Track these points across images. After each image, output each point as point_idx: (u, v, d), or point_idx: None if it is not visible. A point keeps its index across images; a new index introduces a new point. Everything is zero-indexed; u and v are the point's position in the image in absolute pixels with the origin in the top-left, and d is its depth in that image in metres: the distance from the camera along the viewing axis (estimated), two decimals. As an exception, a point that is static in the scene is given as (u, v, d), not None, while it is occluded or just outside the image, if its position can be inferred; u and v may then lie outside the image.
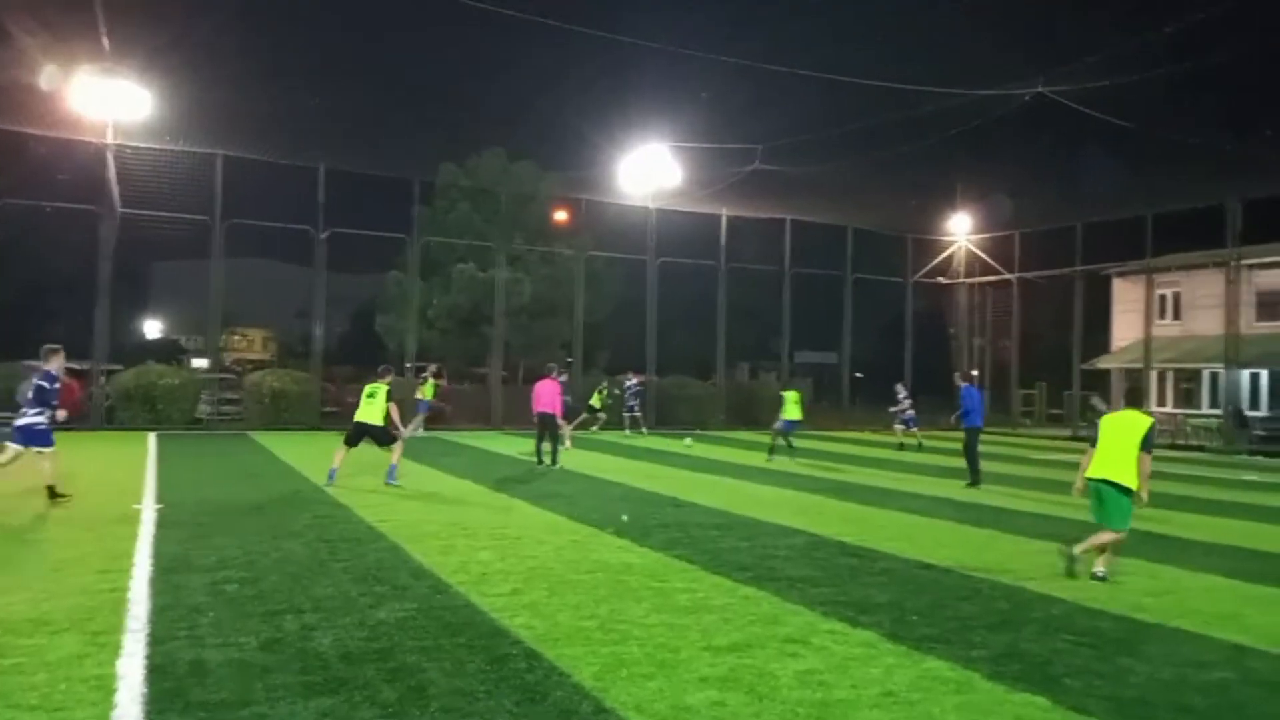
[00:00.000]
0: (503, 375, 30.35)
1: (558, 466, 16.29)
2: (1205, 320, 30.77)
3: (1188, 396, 31.62)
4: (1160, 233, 30.85)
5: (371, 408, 13.23)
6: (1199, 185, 26.78)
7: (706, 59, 19.18)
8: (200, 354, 34.65)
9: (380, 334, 33.90)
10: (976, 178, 28.05)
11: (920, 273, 37.63)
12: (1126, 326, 34.06)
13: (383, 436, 13.25)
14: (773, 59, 19.27)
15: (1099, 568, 7.94)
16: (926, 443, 23.65)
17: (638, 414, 26.49)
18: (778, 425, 20.29)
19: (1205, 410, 30.43)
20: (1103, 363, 34.18)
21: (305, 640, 5.52)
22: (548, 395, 16.62)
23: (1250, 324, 29.38)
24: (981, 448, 15.79)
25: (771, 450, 19.55)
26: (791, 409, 20.28)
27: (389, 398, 13.30)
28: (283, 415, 24.55)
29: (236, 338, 46.44)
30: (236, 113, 22.29)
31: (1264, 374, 29.19)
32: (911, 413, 24.09)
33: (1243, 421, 28.36)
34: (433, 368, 24.58)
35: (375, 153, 26.33)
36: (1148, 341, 31.73)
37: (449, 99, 24.93)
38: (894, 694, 4.87)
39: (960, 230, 36.04)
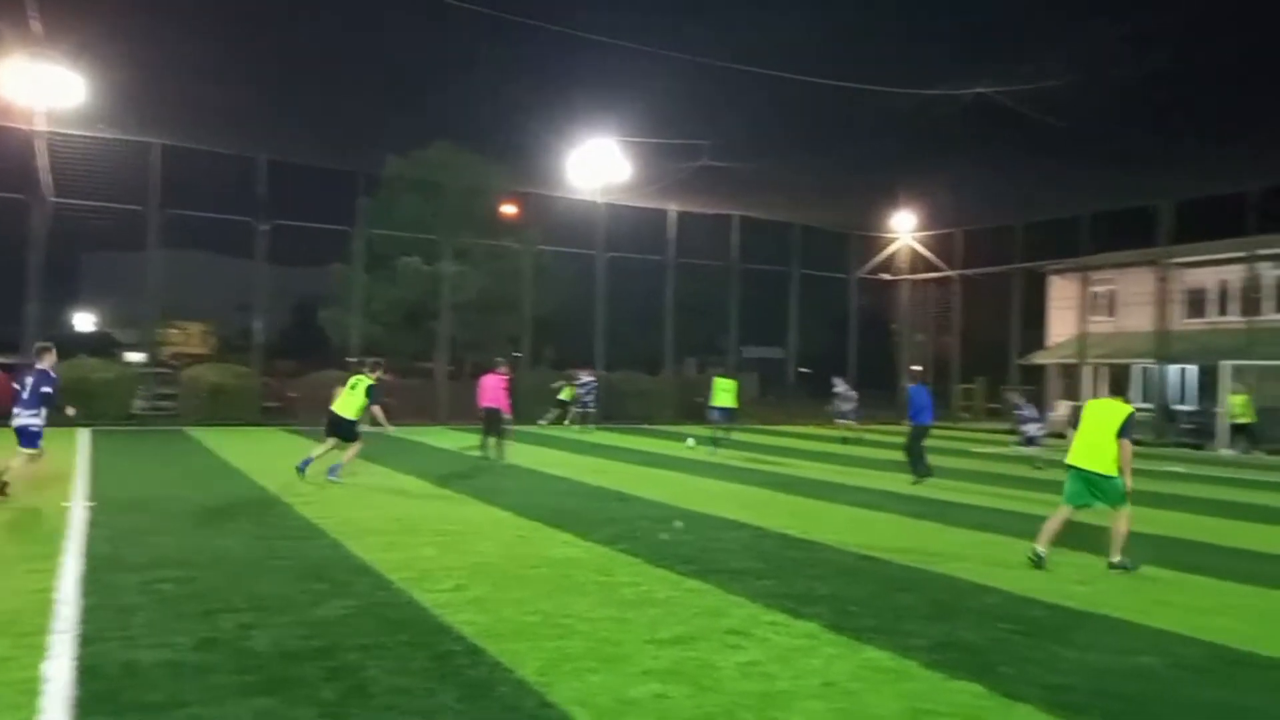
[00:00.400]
0: (449, 370, 30.08)
1: (504, 462, 16.21)
2: (1137, 317, 31.69)
3: (1120, 391, 32.52)
4: (1095, 232, 31.86)
5: (347, 400, 13.00)
6: (1133, 186, 27.58)
7: (655, 54, 19.19)
8: (135, 347, 33.75)
9: (323, 328, 33.35)
10: (920, 176, 28.49)
11: (864, 269, 38.20)
12: (1062, 323, 34.94)
13: (347, 432, 12.94)
14: (722, 55, 19.35)
15: (1115, 556, 8.23)
16: (868, 437, 24.00)
17: (591, 410, 26.55)
18: (713, 415, 20.53)
19: (1137, 404, 31.34)
20: (1039, 358, 35.04)
21: (242, 639, 5.42)
22: (492, 389, 16.52)
23: (1179, 321, 30.35)
24: (925, 442, 15.96)
25: (715, 442, 19.74)
26: (722, 396, 20.51)
27: (369, 395, 12.95)
28: (221, 410, 24.03)
29: (174, 331, 45.32)
30: (175, 100, 21.70)
31: (1191, 369, 30.20)
32: (849, 406, 24.17)
33: (1171, 415, 29.32)
34: (371, 362, 24.17)
35: (319, 144, 25.88)
36: (1083, 337, 32.61)
37: (396, 90, 24.58)
38: (834, 684, 4.95)
39: (903, 228, 36.62)
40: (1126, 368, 31.89)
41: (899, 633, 5.97)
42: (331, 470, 12.72)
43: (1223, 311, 30.02)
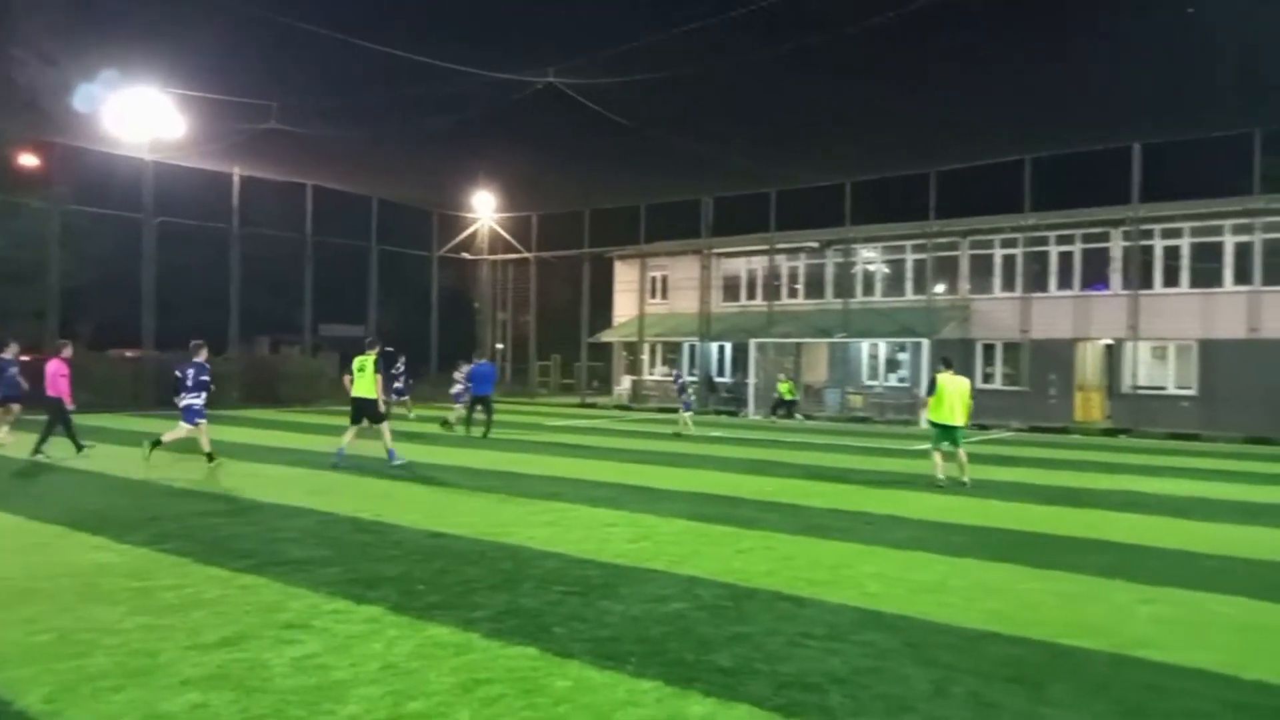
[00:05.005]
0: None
1: (79, 457, 14.05)
2: (686, 300, 35.64)
3: (672, 366, 36.37)
4: (652, 222, 35.34)
5: (363, 382, 13.69)
6: (682, 182, 30.87)
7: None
8: None
9: None
10: (498, 159, 29.19)
11: (446, 248, 38.42)
12: (626, 304, 38.11)
13: (374, 412, 13.67)
14: (292, 13, 18.00)
15: (965, 478, 12.74)
16: (425, 413, 24.19)
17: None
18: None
19: (689, 377, 35.24)
20: (605, 336, 37.91)
21: None
22: (52, 377, 14.34)
23: (718, 304, 34.66)
24: (499, 416, 19.13)
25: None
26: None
27: (379, 369, 13.74)
28: None
29: None
30: None
31: (729, 345, 34.65)
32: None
33: (712, 386, 33.49)
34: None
35: None
36: (641, 318, 35.93)
37: None
38: (394, 666, 4.92)
39: (484, 208, 37.39)
40: (680, 344, 35.68)
41: (464, 606, 6.11)
42: (390, 456, 13.68)
43: (751, 296, 34.76)
